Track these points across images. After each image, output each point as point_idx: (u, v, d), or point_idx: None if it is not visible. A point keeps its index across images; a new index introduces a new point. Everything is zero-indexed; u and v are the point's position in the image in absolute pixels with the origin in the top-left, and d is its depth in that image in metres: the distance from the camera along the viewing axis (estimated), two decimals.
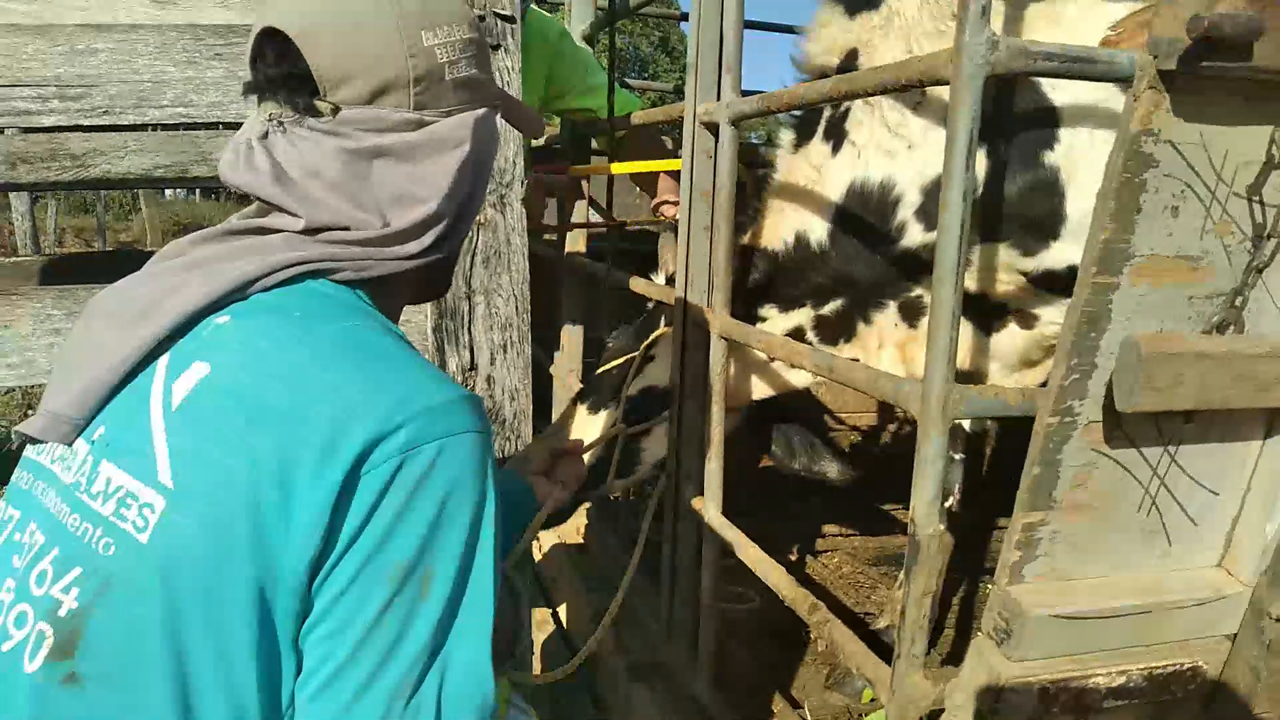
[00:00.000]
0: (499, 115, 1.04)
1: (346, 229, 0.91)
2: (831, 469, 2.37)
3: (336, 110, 0.90)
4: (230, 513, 0.78)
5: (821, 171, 1.99)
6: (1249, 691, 1.09)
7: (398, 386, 0.83)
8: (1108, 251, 0.87)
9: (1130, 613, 1.03)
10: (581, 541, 2.93)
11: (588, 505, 2.92)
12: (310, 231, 0.91)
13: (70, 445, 0.87)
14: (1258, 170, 0.89)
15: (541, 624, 2.68)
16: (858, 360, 2.07)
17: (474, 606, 0.85)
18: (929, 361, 1.14)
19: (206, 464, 0.80)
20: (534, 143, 2.80)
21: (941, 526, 2.47)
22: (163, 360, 0.87)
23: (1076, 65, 1.05)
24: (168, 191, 21.99)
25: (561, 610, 2.76)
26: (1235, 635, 1.09)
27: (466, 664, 0.84)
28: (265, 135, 0.92)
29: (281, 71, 0.90)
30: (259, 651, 0.80)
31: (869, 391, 1.31)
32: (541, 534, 3.07)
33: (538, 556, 3.06)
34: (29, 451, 0.94)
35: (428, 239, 0.95)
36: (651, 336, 2.18)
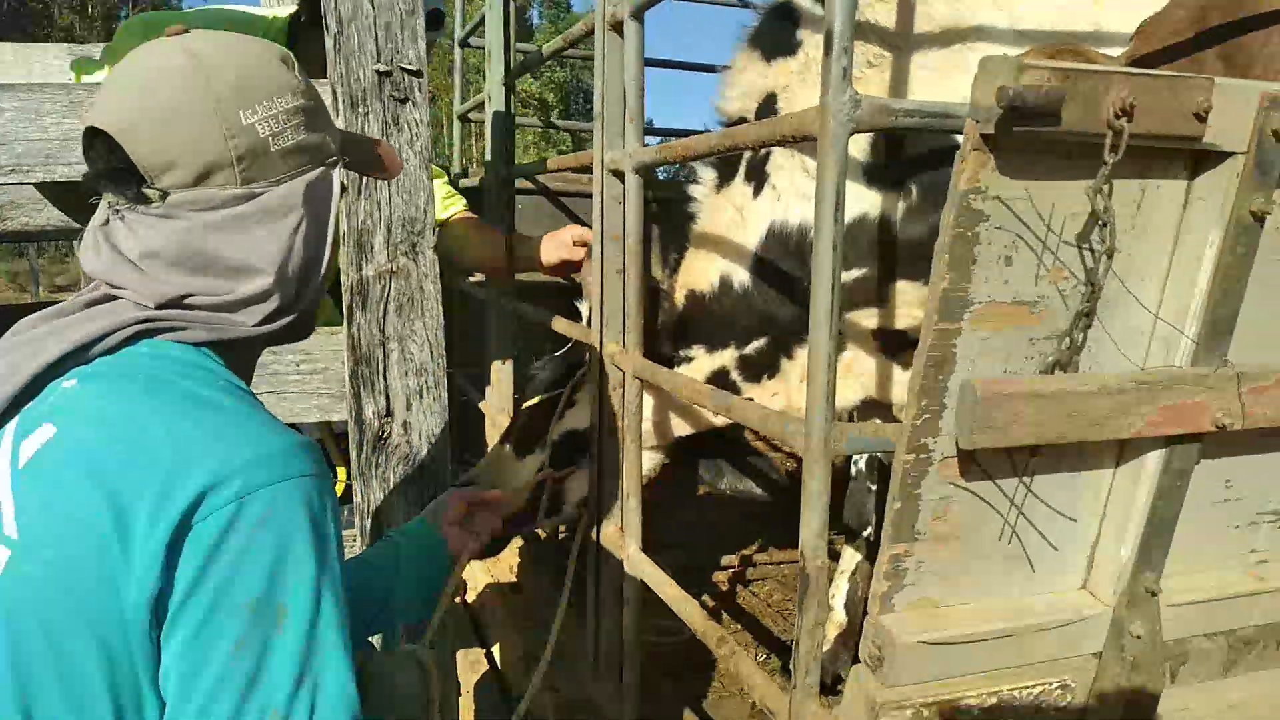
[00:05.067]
0: (338, 167, 1.09)
1: (191, 294, 0.96)
2: (757, 489, 2.44)
3: (165, 195, 0.95)
4: (73, 560, 0.84)
5: (743, 213, 2.06)
6: (1116, 707, 1.15)
7: (232, 438, 0.88)
8: (947, 300, 0.94)
9: (998, 636, 1.08)
10: (515, 580, 2.94)
11: (519, 544, 2.95)
12: (160, 305, 0.96)
13: None
14: (1084, 221, 0.96)
15: (475, 664, 2.69)
16: (778, 394, 2.13)
17: (332, 632, 0.90)
18: (809, 402, 1.20)
19: (50, 517, 0.86)
20: None
21: (860, 556, 2.54)
22: (12, 424, 0.93)
23: (935, 120, 1.12)
24: None
25: (496, 650, 2.77)
26: (1100, 654, 1.15)
27: (334, 686, 0.90)
28: (107, 222, 0.98)
29: (109, 165, 0.95)
30: (111, 688, 0.85)
31: (761, 430, 1.37)
32: (475, 575, 3.09)
33: (471, 599, 3.07)
34: None
35: (268, 307, 1.00)
36: (575, 377, 2.22)
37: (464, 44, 3.72)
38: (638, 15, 1.76)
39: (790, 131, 1.26)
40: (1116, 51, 1.78)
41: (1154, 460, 1.07)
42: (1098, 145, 0.90)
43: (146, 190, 0.95)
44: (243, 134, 0.97)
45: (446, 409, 1.95)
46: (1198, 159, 1.00)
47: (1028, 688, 1.11)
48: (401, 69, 1.81)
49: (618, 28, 1.82)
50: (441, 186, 2.71)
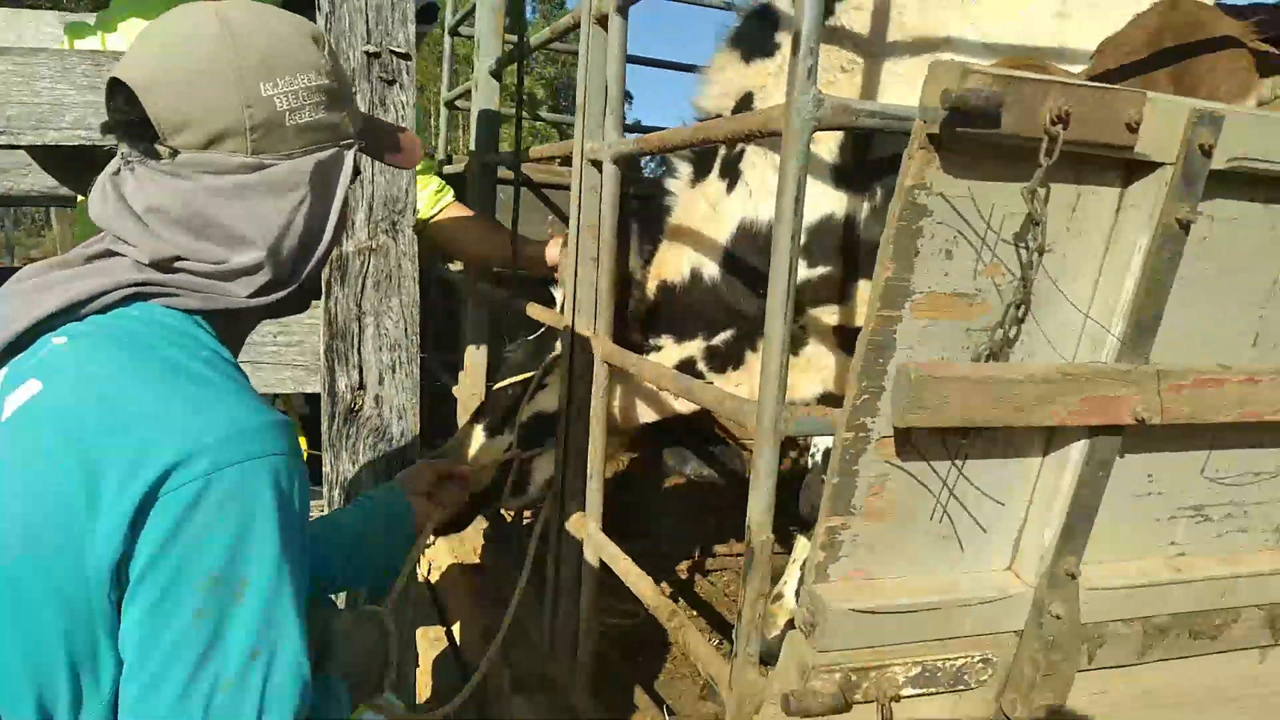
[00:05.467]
0: (354, 150, 1.11)
1: (185, 258, 0.99)
2: (717, 476, 2.52)
3: (175, 153, 0.98)
4: (42, 516, 0.87)
5: (716, 208, 2.12)
6: (1032, 682, 1.22)
7: (207, 413, 0.91)
8: (890, 289, 1.00)
9: (925, 609, 1.15)
10: (478, 561, 2.99)
11: (484, 527, 3.00)
12: (156, 264, 0.99)
13: None
14: (1021, 220, 1.03)
15: (435, 641, 2.73)
16: (742, 385, 2.20)
17: (288, 608, 0.93)
18: (762, 384, 1.26)
19: (24, 474, 0.89)
20: None
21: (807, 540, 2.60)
22: (1, 372, 0.96)
23: (894, 122, 1.19)
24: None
25: (456, 628, 2.82)
26: (1021, 632, 1.23)
27: (287, 656, 0.94)
28: (117, 172, 1.01)
29: (126, 117, 0.99)
30: (67, 641, 0.89)
31: (717, 411, 1.43)
32: (438, 555, 3.13)
33: (435, 578, 3.11)
34: None
35: (259, 279, 1.02)
36: (546, 361, 2.28)
37: (454, 33, 3.76)
38: (622, 10, 1.82)
39: (757, 126, 1.32)
40: (1079, 67, 1.86)
41: (1078, 450, 1.15)
42: (1035, 149, 0.97)
43: (158, 146, 0.99)
44: (260, 105, 0.99)
45: (418, 385, 2.00)
46: (1130, 168, 1.07)
47: (951, 659, 1.18)
48: (390, 51, 1.87)
49: (602, 21, 1.88)
50: (432, 179, 2.73)
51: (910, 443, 1.08)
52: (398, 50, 1.88)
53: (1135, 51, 1.77)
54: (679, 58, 4.09)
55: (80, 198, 2.32)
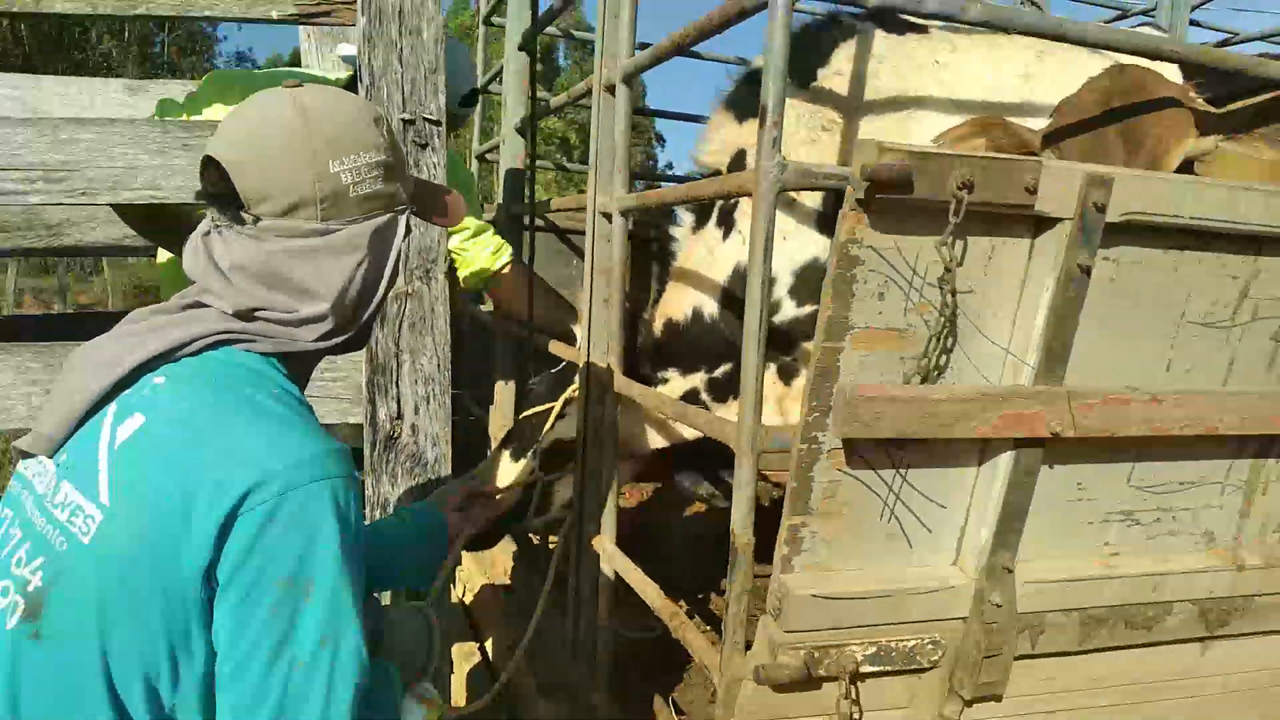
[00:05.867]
0: (406, 214, 1.30)
1: (264, 309, 1.19)
2: (724, 498, 2.72)
3: (257, 220, 1.16)
4: (147, 528, 1.07)
5: (714, 254, 2.35)
6: (977, 663, 1.41)
7: (279, 444, 1.10)
8: (832, 324, 1.22)
9: (878, 596, 1.35)
10: (508, 582, 3.20)
11: (513, 549, 3.21)
12: (238, 314, 1.19)
13: (50, 459, 1.17)
14: (941, 267, 1.24)
15: (468, 655, 2.94)
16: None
17: (349, 603, 1.13)
18: (741, 407, 1.47)
19: (133, 493, 1.09)
20: None
21: None
22: (111, 407, 1.16)
23: (847, 182, 1.41)
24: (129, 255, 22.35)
25: (488, 644, 3.02)
26: (965, 618, 1.42)
27: (349, 643, 1.13)
28: (207, 234, 1.22)
29: (218, 189, 1.16)
30: (166, 625, 1.09)
31: (706, 432, 1.64)
32: (472, 577, 3.35)
33: (468, 599, 3.33)
34: (20, 466, 1.23)
35: (324, 327, 1.22)
36: (565, 394, 2.50)
37: (483, 91, 4.05)
38: (627, 80, 2.06)
39: (734, 188, 1.55)
40: (1041, 123, 2.07)
41: (1006, 459, 1.34)
42: (947, 209, 1.18)
43: (243, 214, 1.16)
44: (329, 180, 1.17)
45: (450, 415, 2.23)
46: (1038, 222, 1.28)
47: (903, 640, 1.38)
48: (423, 119, 2.12)
49: (610, 89, 2.12)
50: (490, 239, 2.85)
51: (857, 453, 1.28)
52: (430, 118, 2.13)
53: (1088, 110, 1.98)
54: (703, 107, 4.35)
55: (161, 251, 2.58)
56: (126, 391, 1.18)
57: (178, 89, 3.53)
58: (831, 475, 1.29)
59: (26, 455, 1.20)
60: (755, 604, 1.50)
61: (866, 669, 1.37)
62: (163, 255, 2.56)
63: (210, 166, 1.18)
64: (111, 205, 2.63)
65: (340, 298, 1.22)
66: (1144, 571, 1.52)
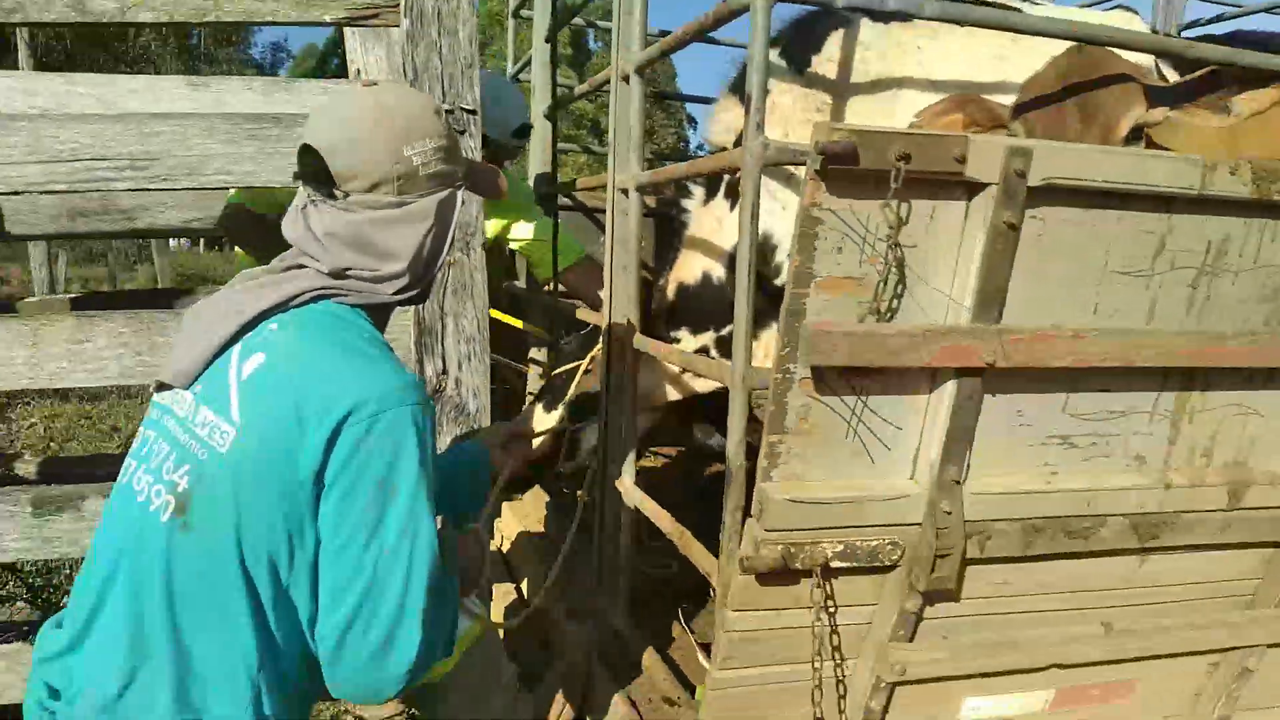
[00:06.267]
0: (462, 189, 1.58)
1: (352, 269, 1.48)
2: None
3: (347, 195, 1.43)
4: (272, 438, 1.36)
5: (722, 224, 2.62)
6: (930, 562, 1.68)
7: (370, 376, 1.37)
8: (799, 274, 1.49)
9: (844, 502, 1.62)
10: (543, 530, 3.51)
11: (546, 499, 3.52)
12: (332, 273, 1.47)
13: (186, 389, 1.47)
14: (888, 226, 1.50)
15: (506, 594, 3.25)
16: None
17: (424, 505, 1.38)
18: (734, 349, 1.75)
19: (260, 413, 1.36)
20: None
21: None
22: (236, 347, 1.45)
23: None
24: (172, 244, 23.04)
25: (524, 585, 3.33)
26: (920, 524, 1.68)
27: (425, 536, 1.40)
28: (305, 206, 1.50)
29: (314, 169, 1.44)
30: (286, 517, 1.37)
31: (708, 374, 1.91)
32: (509, 525, 3.66)
33: (505, 547, 3.64)
34: (156, 396, 1.53)
35: (401, 283, 1.49)
36: (591, 352, 2.79)
37: (514, 80, 4.33)
38: (640, 71, 2.33)
39: (727, 164, 1.82)
40: (1012, 99, 2.31)
41: (950, 387, 1.61)
42: (889, 177, 1.44)
43: (335, 191, 1.43)
44: (403, 162, 1.42)
45: (489, 370, 2.53)
46: (970, 188, 1.54)
47: (867, 540, 1.65)
48: (461, 108, 2.41)
49: (626, 79, 2.39)
50: (560, 240, 3.24)
51: (823, 381, 1.55)
52: (466, 107, 2.42)
53: (1049, 87, 2.22)
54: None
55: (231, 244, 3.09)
56: (248, 335, 1.46)
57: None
58: (802, 400, 1.56)
59: (163, 388, 1.51)
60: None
61: (836, 564, 1.64)
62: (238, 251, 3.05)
63: (307, 152, 1.46)
64: (221, 222, 3.07)
65: (415, 258, 1.49)
66: (1080, 487, 1.77)
